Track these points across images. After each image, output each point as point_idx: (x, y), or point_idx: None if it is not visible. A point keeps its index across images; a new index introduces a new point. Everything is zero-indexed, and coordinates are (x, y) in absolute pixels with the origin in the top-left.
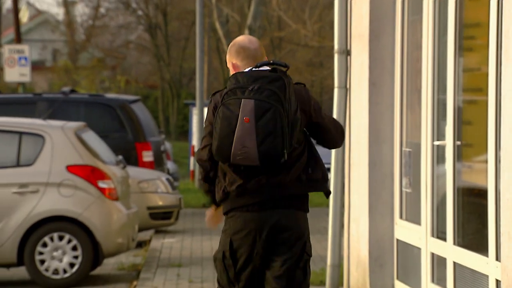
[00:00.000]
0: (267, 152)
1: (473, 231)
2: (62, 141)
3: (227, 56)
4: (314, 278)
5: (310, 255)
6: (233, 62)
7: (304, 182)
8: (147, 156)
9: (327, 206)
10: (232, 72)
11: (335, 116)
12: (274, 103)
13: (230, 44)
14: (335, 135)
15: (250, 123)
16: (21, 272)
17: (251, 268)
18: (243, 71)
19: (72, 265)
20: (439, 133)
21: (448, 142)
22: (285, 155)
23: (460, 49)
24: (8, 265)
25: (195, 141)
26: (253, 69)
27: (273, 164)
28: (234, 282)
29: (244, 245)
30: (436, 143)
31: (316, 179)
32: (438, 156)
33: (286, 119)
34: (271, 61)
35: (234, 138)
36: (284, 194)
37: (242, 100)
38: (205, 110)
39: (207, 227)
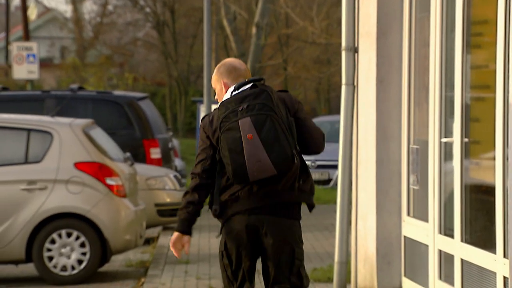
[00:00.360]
0: (279, 158)
1: (480, 228)
2: (70, 138)
3: (215, 76)
4: (322, 275)
5: (301, 260)
6: (224, 81)
7: (296, 191)
8: (155, 153)
9: (335, 203)
10: (219, 91)
11: (342, 113)
12: (268, 113)
13: (219, 65)
14: (317, 139)
15: (254, 138)
16: (29, 269)
17: (243, 268)
18: (228, 98)
19: (80, 261)
20: (446, 130)
21: (456, 139)
22: (295, 157)
23: (468, 46)
24: (16, 262)
25: None
26: (233, 92)
27: (288, 168)
28: (232, 281)
29: (234, 246)
30: (444, 140)
31: (305, 190)
32: (446, 153)
33: (283, 124)
34: (247, 80)
35: (245, 157)
36: (276, 201)
37: (239, 121)
38: (213, 107)
39: (174, 255)
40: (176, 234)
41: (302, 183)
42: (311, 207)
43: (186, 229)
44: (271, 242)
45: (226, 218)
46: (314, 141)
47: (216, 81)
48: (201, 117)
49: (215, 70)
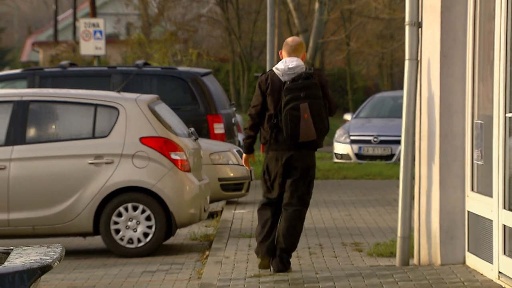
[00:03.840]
0: (320, 130)
1: None
2: (135, 113)
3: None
4: (385, 250)
5: (312, 177)
6: (281, 51)
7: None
8: (218, 128)
9: (397, 178)
10: (280, 55)
11: (405, 88)
12: (318, 100)
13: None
14: (332, 107)
15: (308, 117)
16: (97, 241)
17: (278, 181)
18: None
19: (146, 235)
20: (511, 105)
21: None
22: (328, 128)
23: None
24: (84, 234)
25: None
26: (285, 67)
27: (325, 135)
28: (271, 190)
29: (273, 167)
30: (509, 115)
31: (319, 141)
32: (511, 128)
33: (324, 107)
34: (302, 74)
35: (300, 128)
36: (305, 145)
37: (300, 104)
38: None
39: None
40: (244, 155)
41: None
42: (316, 149)
43: (250, 150)
44: (296, 164)
45: (269, 151)
46: (332, 110)
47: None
48: None
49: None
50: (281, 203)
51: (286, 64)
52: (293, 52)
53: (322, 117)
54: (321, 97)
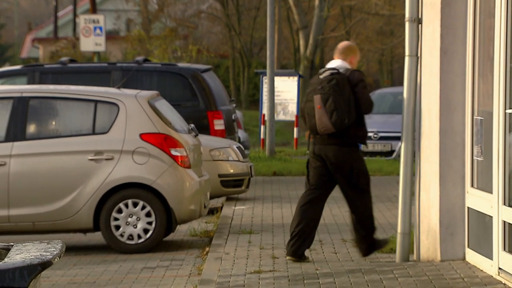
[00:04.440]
0: (335, 122)
1: None
2: (135, 110)
3: None
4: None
5: (357, 180)
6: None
7: (345, 136)
8: (219, 124)
9: (397, 174)
10: None
11: (405, 84)
12: (332, 93)
13: None
14: (364, 105)
15: (322, 108)
16: (97, 237)
17: (312, 172)
18: (312, 79)
19: (146, 231)
20: (511, 101)
21: None
22: (345, 121)
23: None
24: (84, 231)
25: (265, 109)
26: (320, 76)
27: (342, 128)
28: (308, 181)
29: (310, 161)
30: (509, 111)
31: (353, 135)
32: (511, 124)
33: (341, 100)
34: (328, 69)
35: (316, 119)
36: (329, 141)
37: (314, 96)
38: (275, 79)
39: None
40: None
41: (353, 131)
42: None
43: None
44: (329, 161)
45: (311, 145)
46: (362, 107)
47: None
48: (264, 89)
49: None
50: (317, 192)
51: (328, 65)
52: (339, 54)
53: (336, 110)
54: (339, 92)
